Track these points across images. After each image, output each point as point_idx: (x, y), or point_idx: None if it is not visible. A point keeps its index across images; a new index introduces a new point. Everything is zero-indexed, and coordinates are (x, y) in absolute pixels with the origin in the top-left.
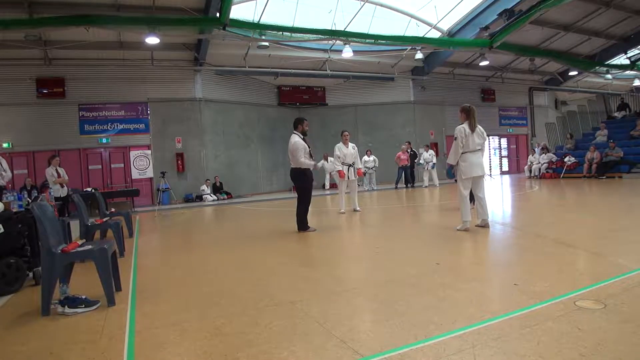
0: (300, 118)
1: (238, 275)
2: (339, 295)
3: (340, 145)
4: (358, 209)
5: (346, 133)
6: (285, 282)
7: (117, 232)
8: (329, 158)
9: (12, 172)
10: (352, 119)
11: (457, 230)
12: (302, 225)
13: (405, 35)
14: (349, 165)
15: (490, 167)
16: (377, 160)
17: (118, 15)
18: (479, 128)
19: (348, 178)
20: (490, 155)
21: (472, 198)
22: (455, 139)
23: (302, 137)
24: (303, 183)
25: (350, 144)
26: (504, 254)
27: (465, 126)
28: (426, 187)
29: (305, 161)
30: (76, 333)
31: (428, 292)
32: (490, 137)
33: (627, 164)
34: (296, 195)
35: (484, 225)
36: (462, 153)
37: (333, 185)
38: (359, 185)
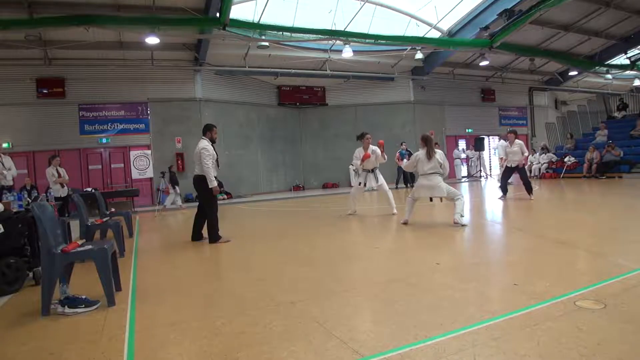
0: (210, 125)
1: (238, 275)
2: (339, 295)
3: (360, 150)
4: (395, 211)
5: (368, 136)
6: (285, 282)
7: (117, 232)
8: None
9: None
10: (352, 119)
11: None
12: (215, 235)
13: (405, 35)
14: (369, 171)
15: (486, 167)
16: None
17: (118, 15)
18: (439, 154)
19: (364, 185)
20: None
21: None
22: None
23: (211, 144)
24: (209, 192)
25: (372, 147)
26: (504, 254)
27: (420, 153)
28: None
29: (211, 174)
30: (76, 333)
31: (428, 292)
32: (491, 137)
33: (627, 164)
34: (206, 203)
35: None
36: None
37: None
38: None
